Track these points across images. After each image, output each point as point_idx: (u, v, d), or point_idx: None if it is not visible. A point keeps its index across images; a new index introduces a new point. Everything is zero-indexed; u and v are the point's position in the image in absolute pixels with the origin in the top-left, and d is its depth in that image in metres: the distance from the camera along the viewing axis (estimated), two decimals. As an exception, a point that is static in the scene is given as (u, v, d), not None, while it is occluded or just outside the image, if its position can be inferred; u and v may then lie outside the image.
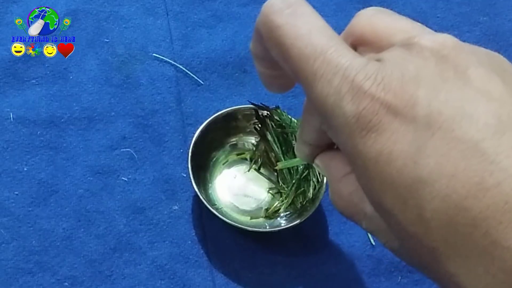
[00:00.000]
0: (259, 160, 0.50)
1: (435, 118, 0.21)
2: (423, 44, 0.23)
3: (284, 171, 0.49)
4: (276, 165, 0.47)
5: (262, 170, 0.50)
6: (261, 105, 0.48)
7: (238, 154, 0.51)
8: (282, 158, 0.48)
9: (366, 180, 0.23)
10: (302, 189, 0.47)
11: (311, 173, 0.47)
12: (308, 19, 0.26)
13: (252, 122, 0.49)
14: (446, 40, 0.23)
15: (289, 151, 0.48)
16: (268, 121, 0.48)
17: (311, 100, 0.25)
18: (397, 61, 0.23)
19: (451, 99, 0.21)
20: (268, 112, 0.48)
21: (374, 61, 0.23)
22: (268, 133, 0.48)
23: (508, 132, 0.20)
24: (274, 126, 0.48)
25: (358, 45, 0.27)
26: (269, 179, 0.50)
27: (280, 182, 0.49)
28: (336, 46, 0.24)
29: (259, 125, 0.49)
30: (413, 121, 0.21)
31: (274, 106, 0.48)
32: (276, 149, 0.48)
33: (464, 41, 0.25)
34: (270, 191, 0.49)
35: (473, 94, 0.21)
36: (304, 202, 0.47)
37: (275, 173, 0.50)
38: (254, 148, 0.50)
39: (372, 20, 0.27)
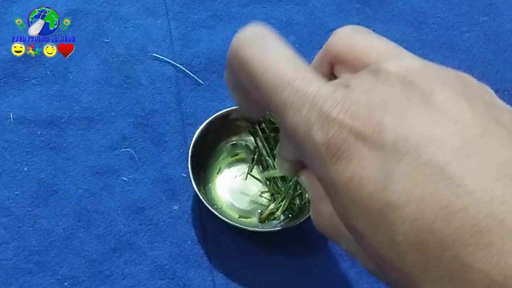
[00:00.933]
0: (253, 162, 0.50)
1: (402, 143, 0.21)
2: (389, 70, 0.23)
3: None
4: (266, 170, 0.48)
5: (257, 173, 0.50)
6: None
7: (233, 156, 0.51)
8: (271, 163, 0.48)
9: (339, 206, 0.23)
10: (300, 191, 0.48)
11: None
12: (275, 50, 0.26)
13: (246, 125, 0.50)
14: (411, 65, 0.23)
15: None
16: (257, 126, 0.48)
17: (283, 129, 0.25)
18: (364, 87, 0.23)
19: (417, 124, 0.22)
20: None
21: (341, 88, 0.24)
22: (257, 138, 0.48)
23: (474, 155, 0.21)
24: (267, 131, 0.48)
25: (334, 63, 0.27)
26: (265, 183, 0.50)
27: (274, 185, 0.49)
28: (303, 75, 0.25)
29: (250, 131, 0.49)
30: (380, 147, 0.22)
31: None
32: (265, 154, 0.48)
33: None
34: (263, 195, 0.49)
35: (438, 118, 0.22)
36: (302, 204, 0.47)
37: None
38: (252, 151, 0.50)
39: (348, 39, 0.27)
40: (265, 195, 0.49)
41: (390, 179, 0.21)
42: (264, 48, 0.26)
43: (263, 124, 0.49)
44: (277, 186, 0.49)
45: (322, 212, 0.26)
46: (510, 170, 0.20)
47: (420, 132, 0.21)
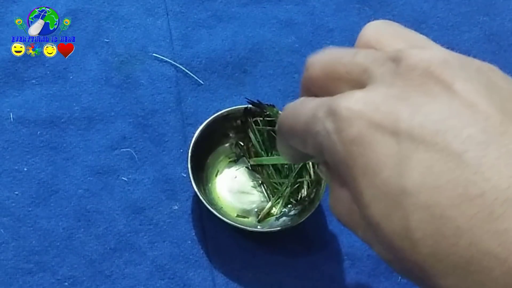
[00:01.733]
0: (239, 154, 0.50)
1: (418, 131, 0.22)
2: (411, 59, 0.24)
3: (279, 167, 0.49)
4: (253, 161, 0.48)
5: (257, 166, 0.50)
6: (256, 102, 0.48)
7: (233, 156, 0.51)
8: (264, 155, 0.48)
9: (355, 192, 0.24)
10: (297, 185, 0.48)
11: (304, 171, 0.47)
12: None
13: (239, 118, 0.50)
14: (434, 56, 0.23)
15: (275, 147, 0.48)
16: (250, 119, 0.48)
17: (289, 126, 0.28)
18: (384, 76, 0.24)
19: (435, 113, 0.22)
20: (259, 109, 0.48)
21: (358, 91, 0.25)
22: (250, 130, 0.48)
23: (493, 144, 0.21)
24: (260, 123, 0.48)
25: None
26: (260, 178, 0.50)
27: (270, 185, 0.49)
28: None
29: (242, 121, 0.49)
30: (396, 135, 0.22)
31: (269, 104, 0.48)
32: (257, 145, 0.48)
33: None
34: (257, 189, 0.49)
35: (457, 107, 0.22)
36: (299, 199, 0.47)
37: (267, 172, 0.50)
38: (241, 146, 0.50)
39: (378, 29, 0.28)
40: (265, 193, 0.49)
41: (405, 166, 0.22)
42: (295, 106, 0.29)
43: (258, 118, 0.49)
44: (274, 183, 0.49)
45: (340, 199, 0.26)
46: None
47: (437, 121, 0.22)
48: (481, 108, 0.22)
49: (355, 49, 0.27)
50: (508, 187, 0.20)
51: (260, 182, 0.49)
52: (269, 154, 0.49)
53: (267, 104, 0.48)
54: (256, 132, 0.49)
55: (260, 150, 0.49)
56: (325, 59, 0.28)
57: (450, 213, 0.21)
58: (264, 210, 0.48)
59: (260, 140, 0.49)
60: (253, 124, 0.49)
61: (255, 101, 0.49)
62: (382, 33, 0.28)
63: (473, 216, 0.20)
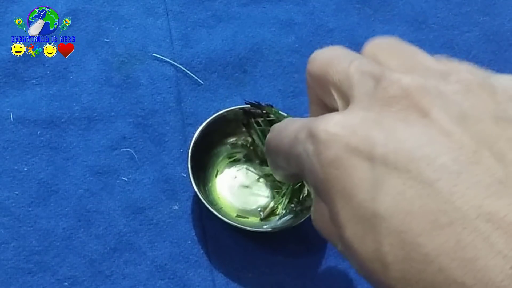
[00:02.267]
0: (245, 153, 0.50)
1: (392, 157, 0.22)
2: (390, 85, 0.24)
3: None
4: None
5: (256, 167, 0.50)
6: (254, 103, 0.48)
7: (233, 156, 0.51)
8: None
9: (333, 214, 0.24)
10: (299, 184, 0.48)
11: None
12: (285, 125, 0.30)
13: (241, 119, 0.50)
14: (412, 82, 0.24)
15: None
16: (252, 120, 0.48)
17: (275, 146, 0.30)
18: (364, 98, 0.24)
19: (410, 140, 0.22)
20: (260, 110, 0.48)
21: (342, 105, 0.26)
22: (252, 131, 0.48)
23: (464, 173, 0.21)
24: (261, 124, 0.48)
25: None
26: (264, 177, 0.50)
27: (274, 182, 0.49)
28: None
29: (244, 123, 0.49)
30: (371, 160, 0.23)
31: (267, 104, 0.48)
32: (261, 145, 0.48)
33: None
34: (257, 189, 0.49)
35: (432, 135, 0.22)
36: (301, 199, 0.47)
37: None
38: (245, 146, 0.50)
39: (378, 44, 0.29)
40: (265, 192, 0.49)
41: (379, 190, 0.22)
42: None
43: (258, 118, 0.49)
44: (279, 182, 0.49)
45: (321, 213, 0.27)
46: (499, 189, 0.21)
47: (411, 148, 0.22)
48: (456, 137, 0.22)
49: (353, 55, 0.28)
50: (477, 217, 0.20)
51: (264, 182, 0.49)
52: None
53: (266, 104, 0.48)
54: (259, 132, 0.49)
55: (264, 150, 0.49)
56: (325, 59, 0.28)
57: (420, 240, 0.21)
58: (267, 210, 0.48)
59: (262, 141, 0.49)
60: (255, 125, 0.49)
61: (254, 101, 0.48)
62: (380, 48, 0.28)
63: (442, 244, 0.20)
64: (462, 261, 0.20)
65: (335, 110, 0.27)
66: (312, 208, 0.29)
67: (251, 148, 0.50)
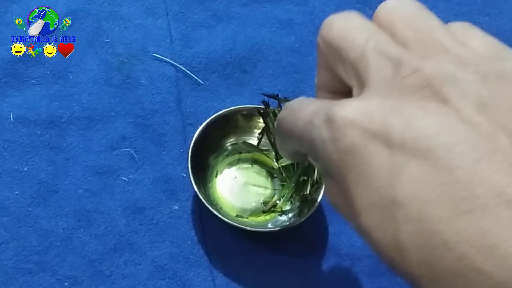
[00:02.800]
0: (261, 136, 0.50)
1: (411, 145, 0.22)
2: (409, 72, 0.24)
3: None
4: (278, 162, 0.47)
5: (260, 166, 0.50)
6: (272, 94, 0.48)
7: (233, 156, 0.50)
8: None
9: (349, 200, 0.24)
10: (303, 179, 0.47)
11: (309, 170, 0.47)
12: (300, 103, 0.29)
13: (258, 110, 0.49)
14: (432, 69, 0.23)
15: None
16: (269, 110, 0.48)
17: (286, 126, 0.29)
18: (382, 85, 0.24)
19: (428, 127, 0.22)
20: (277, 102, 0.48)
21: (357, 89, 0.26)
22: (268, 118, 0.48)
23: (484, 161, 0.21)
24: (277, 113, 0.48)
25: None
26: (270, 172, 0.50)
27: (281, 173, 0.49)
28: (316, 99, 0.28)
29: (262, 111, 0.49)
30: (389, 147, 0.22)
31: (284, 97, 0.48)
32: (273, 133, 0.48)
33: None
34: (257, 189, 0.49)
35: (451, 123, 0.22)
36: (302, 195, 0.47)
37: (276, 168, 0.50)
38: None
39: (392, 10, 0.28)
40: (265, 192, 0.49)
41: (397, 177, 0.22)
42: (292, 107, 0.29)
43: (269, 111, 0.48)
44: (285, 172, 0.49)
45: (334, 191, 0.26)
46: None
47: (430, 136, 0.22)
48: (476, 126, 0.22)
49: (370, 29, 0.27)
50: (497, 204, 0.20)
51: (266, 179, 0.49)
52: None
53: (283, 97, 0.48)
54: (273, 123, 0.48)
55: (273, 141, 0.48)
56: (342, 30, 0.27)
57: (439, 227, 0.21)
58: (271, 203, 0.48)
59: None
60: (271, 114, 0.48)
61: (271, 94, 0.48)
62: (396, 16, 0.27)
63: (462, 231, 0.20)
64: (481, 248, 0.20)
65: (344, 80, 0.27)
66: (325, 188, 0.28)
67: (264, 134, 0.49)
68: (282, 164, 0.48)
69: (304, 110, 0.27)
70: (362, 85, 0.25)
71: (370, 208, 0.23)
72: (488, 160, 0.21)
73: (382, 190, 0.22)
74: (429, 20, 0.27)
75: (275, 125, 0.31)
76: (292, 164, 0.48)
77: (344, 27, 0.27)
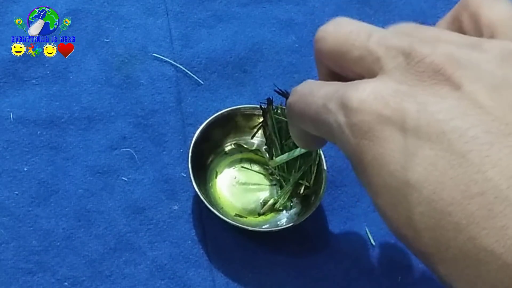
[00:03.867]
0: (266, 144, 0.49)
1: (424, 129, 0.23)
2: (422, 58, 0.24)
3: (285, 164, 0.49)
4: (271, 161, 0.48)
5: (260, 166, 0.50)
6: (282, 90, 0.47)
7: (233, 156, 0.50)
8: (277, 145, 0.48)
9: (366, 182, 0.25)
10: (301, 176, 0.47)
11: (308, 169, 0.47)
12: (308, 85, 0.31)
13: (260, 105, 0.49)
14: (443, 55, 0.24)
15: (288, 138, 0.48)
16: (271, 107, 0.48)
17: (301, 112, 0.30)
18: (395, 71, 0.25)
19: (442, 112, 0.23)
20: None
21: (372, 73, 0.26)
22: (268, 116, 0.48)
23: (496, 145, 0.21)
24: (278, 117, 0.48)
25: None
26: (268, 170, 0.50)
27: (278, 173, 0.49)
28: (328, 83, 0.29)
29: (262, 107, 0.49)
30: (403, 131, 0.23)
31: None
32: (273, 133, 0.48)
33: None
34: (257, 189, 0.49)
35: (464, 108, 0.22)
36: (299, 193, 0.47)
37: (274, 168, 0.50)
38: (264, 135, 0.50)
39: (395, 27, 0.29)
40: (265, 192, 0.49)
41: (411, 161, 0.23)
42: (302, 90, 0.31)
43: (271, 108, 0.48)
44: (283, 172, 0.49)
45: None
46: None
47: (443, 120, 0.22)
48: (488, 109, 0.22)
49: (367, 27, 0.27)
50: (508, 187, 0.21)
51: (265, 180, 0.49)
52: (283, 143, 0.48)
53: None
54: (273, 120, 0.48)
55: (274, 138, 0.48)
56: (337, 35, 0.28)
57: (451, 208, 0.21)
58: (268, 204, 0.48)
59: (276, 129, 0.48)
60: (272, 111, 0.48)
61: (282, 90, 0.48)
62: (401, 27, 0.28)
63: (473, 213, 0.21)
64: (492, 230, 0.21)
65: (350, 77, 0.27)
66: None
67: (264, 133, 0.49)
68: (277, 163, 0.48)
69: (316, 94, 0.28)
70: (373, 75, 0.26)
71: (385, 190, 0.24)
72: (500, 143, 0.21)
73: (397, 173, 0.23)
74: (434, 28, 0.29)
75: (286, 111, 0.32)
76: (286, 163, 0.48)
77: (341, 34, 0.28)
